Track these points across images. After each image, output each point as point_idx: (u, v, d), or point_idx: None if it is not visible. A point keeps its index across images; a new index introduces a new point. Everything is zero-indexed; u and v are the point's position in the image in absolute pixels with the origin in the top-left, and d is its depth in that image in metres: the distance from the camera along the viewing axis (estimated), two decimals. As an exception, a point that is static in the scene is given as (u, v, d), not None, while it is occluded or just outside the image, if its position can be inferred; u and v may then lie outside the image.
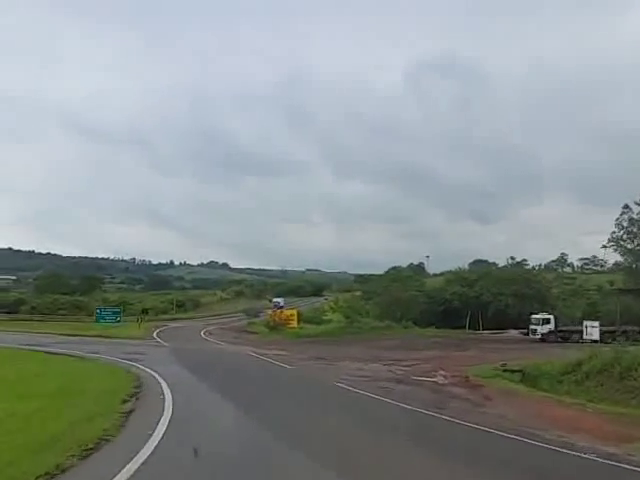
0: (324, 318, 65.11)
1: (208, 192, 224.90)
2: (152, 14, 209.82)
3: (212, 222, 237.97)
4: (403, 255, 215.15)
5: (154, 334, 46.13)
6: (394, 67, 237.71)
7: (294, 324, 51.68)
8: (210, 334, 48.96)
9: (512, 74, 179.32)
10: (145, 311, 65.44)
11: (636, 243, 54.61)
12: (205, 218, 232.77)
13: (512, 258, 79.67)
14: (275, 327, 49.95)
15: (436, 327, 53.50)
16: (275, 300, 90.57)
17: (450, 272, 67.03)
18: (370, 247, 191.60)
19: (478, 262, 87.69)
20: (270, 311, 54.03)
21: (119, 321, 52.72)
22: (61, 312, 70.24)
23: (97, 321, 52.55)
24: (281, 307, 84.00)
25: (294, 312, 54.27)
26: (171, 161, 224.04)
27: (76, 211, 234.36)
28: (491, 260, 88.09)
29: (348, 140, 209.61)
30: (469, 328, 53.82)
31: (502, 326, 52.42)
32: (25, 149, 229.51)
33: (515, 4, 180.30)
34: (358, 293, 59.14)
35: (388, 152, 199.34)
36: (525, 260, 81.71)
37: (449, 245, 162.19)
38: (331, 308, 58.28)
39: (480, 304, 54.88)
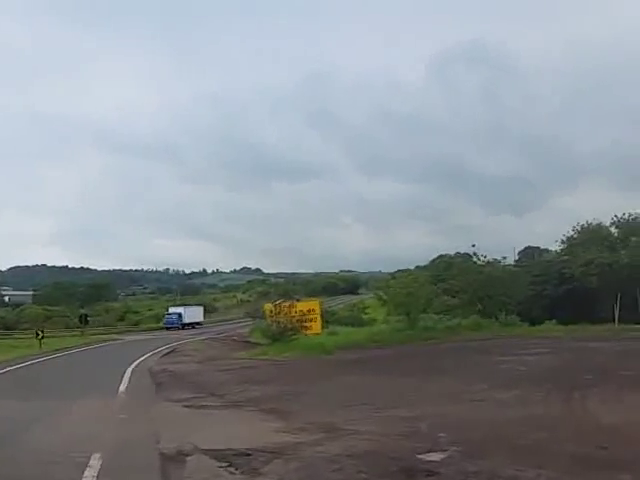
0: (364, 317, 41.07)
1: (238, 199, 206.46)
2: (175, 25, 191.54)
3: (244, 229, 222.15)
4: (440, 251, 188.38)
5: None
6: (420, 60, 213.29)
7: (316, 327, 26.58)
8: (164, 357, 24.78)
9: (544, 59, 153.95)
10: (83, 318, 41.38)
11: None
12: (236, 225, 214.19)
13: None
14: (281, 335, 24.54)
15: (559, 322, 29.00)
16: (172, 310, 60.65)
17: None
18: (405, 245, 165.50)
19: (529, 249, 62.59)
20: (270, 306, 26.97)
21: None
22: (25, 325, 53.15)
23: None
24: (175, 322, 59.16)
25: (315, 305, 27.23)
26: (201, 170, 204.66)
27: (109, 226, 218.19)
28: (543, 247, 62.38)
29: (377, 138, 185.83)
30: (619, 321, 28.52)
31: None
32: (56, 167, 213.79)
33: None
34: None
35: (419, 148, 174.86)
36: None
37: (488, 238, 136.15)
38: (380, 299, 33.58)
39: (632, 281, 29.56)
